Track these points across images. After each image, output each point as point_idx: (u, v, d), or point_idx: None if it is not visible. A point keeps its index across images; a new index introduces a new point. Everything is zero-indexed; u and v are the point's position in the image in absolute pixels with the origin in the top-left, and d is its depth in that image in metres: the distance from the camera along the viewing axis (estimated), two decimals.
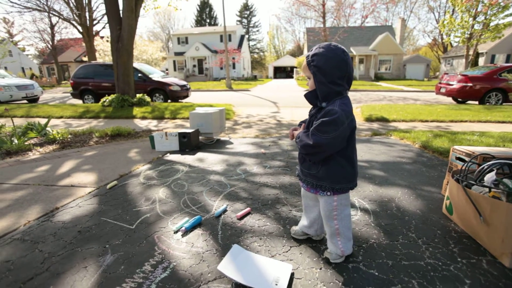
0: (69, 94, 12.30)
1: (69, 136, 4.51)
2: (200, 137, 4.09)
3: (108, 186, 2.44)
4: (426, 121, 5.71)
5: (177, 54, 32.81)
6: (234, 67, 31.93)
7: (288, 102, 10.01)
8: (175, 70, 32.93)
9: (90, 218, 1.91)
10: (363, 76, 27.84)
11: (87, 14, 19.48)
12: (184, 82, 10.39)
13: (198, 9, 54.52)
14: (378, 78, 27.31)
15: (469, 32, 15.16)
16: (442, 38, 36.18)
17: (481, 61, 24.34)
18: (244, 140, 4.26)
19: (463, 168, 1.80)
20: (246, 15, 56.69)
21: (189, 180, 2.61)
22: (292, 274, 1.34)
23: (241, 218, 1.89)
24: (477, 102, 8.80)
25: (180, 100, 10.05)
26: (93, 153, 3.58)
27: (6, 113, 6.56)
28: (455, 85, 8.77)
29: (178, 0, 13.59)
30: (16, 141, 3.91)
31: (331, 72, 1.20)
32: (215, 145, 3.93)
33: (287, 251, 1.53)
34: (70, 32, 37.53)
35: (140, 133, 4.80)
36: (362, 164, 3.00)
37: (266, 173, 2.77)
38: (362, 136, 4.45)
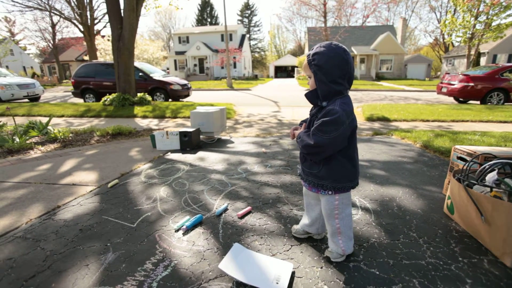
0: (70, 93, 12.34)
1: (71, 135, 4.52)
2: (201, 136, 4.09)
3: (109, 185, 2.44)
4: (428, 120, 5.70)
5: (178, 53, 32.82)
6: (235, 67, 31.93)
7: (289, 101, 10.01)
8: (176, 69, 32.94)
9: (91, 216, 1.91)
10: (364, 76, 27.80)
11: (88, 13, 19.51)
12: (185, 81, 10.39)
13: (199, 8, 54.51)
14: (379, 77, 27.26)
15: (470, 32, 15.11)
16: (443, 38, 36.08)
17: (483, 61, 24.27)
18: (245, 139, 4.27)
19: (465, 167, 1.80)
20: (247, 15, 56.66)
21: (190, 179, 2.61)
22: (293, 273, 1.34)
23: (242, 217, 1.89)
24: (478, 102, 8.78)
25: (181, 99, 10.05)
26: (94, 152, 3.58)
27: (8, 112, 6.57)
28: (457, 85, 8.75)
29: None
30: (17, 139, 3.92)
31: (331, 71, 1.20)
32: (216, 144, 3.93)
33: (288, 250, 1.53)
34: (71, 31, 37.67)
35: (141, 132, 4.80)
36: (363, 163, 3.00)
37: (267, 172, 2.77)
38: (363, 135, 4.44)
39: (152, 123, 5.86)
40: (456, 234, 1.66)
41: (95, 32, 20.67)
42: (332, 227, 1.40)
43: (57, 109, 7.40)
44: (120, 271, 1.36)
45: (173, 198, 2.19)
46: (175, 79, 10.34)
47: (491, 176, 1.61)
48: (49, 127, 4.54)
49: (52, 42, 30.18)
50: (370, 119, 5.94)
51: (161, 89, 9.56)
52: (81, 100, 10.26)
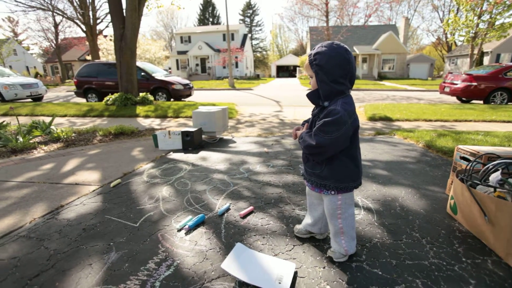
0: (73, 93, 12.37)
1: (73, 134, 4.54)
2: (203, 136, 4.10)
3: (112, 184, 2.45)
4: (430, 120, 5.67)
5: (180, 53, 32.87)
6: (237, 66, 31.94)
7: (291, 101, 10.00)
8: (178, 69, 32.99)
9: (94, 216, 1.92)
10: (366, 76, 27.72)
11: (90, 13, 19.58)
12: (187, 81, 10.41)
13: (201, 8, 54.55)
14: (382, 77, 27.17)
15: (474, 31, 15.03)
16: (446, 37, 35.86)
17: (486, 60, 24.11)
18: (247, 139, 4.27)
19: (468, 167, 1.79)
20: (249, 14, 56.64)
21: (192, 178, 2.61)
22: (296, 273, 1.34)
23: (244, 216, 1.89)
24: (481, 102, 8.73)
25: (183, 99, 10.07)
26: (97, 152, 3.60)
27: (11, 111, 6.62)
28: (460, 84, 8.70)
29: None
30: (21, 139, 3.94)
31: (333, 71, 1.20)
32: (218, 144, 3.94)
33: (290, 250, 1.53)
34: (73, 31, 37.78)
35: (143, 132, 4.82)
36: (366, 163, 2.99)
37: (269, 172, 2.77)
38: (365, 135, 4.43)
39: (154, 122, 5.87)
40: (459, 234, 1.65)
41: (97, 32, 20.74)
42: (334, 227, 1.40)
43: (60, 108, 7.43)
44: (123, 271, 1.36)
45: (175, 198, 2.20)
46: (177, 78, 10.36)
47: (495, 176, 1.60)
48: (52, 127, 4.57)
49: (54, 42, 30.31)
50: (372, 118, 5.93)
51: (163, 88, 9.59)
52: (83, 100, 10.30)
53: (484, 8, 14.19)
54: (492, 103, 8.41)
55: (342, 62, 1.20)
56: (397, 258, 1.44)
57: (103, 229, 1.75)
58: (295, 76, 38.09)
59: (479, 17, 14.47)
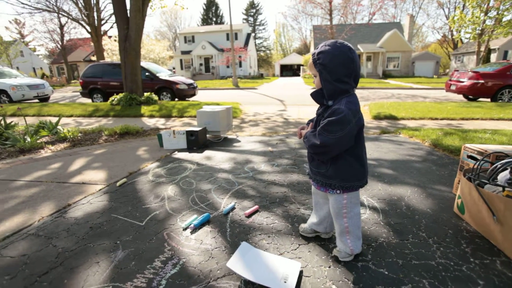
0: (78, 93, 12.52)
1: (79, 134, 4.59)
2: (207, 135, 4.11)
3: (118, 184, 2.48)
4: (436, 119, 5.61)
5: (183, 52, 32.99)
6: (240, 66, 31.94)
7: (295, 100, 9.97)
8: (182, 68, 33.12)
9: (101, 214, 1.94)
10: (370, 74, 27.52)
11: (95, 14, 19.74)
12: (191, 81, 10.45)
13: (204, 7, 54.65)
14: (386, 75, 26.94)
15: (480, 28, 14.81)
16: (452, 35, 35.39)
17: (493, 57, 23.78)
18: (251, 138, 4.27)
19: (476, 166, 1.77)
20: (252, 13, 56.57)
21: (197, 178, 2.63)
22: (301, 272, 1.34)
23: (249, 215, 1.90)
24: (489, 100, 8.61)
25: (187, 99, 10.11)
26: (103, 151, 3.63)
27: (19, 112, 6.71)
28: (466, 82, 8.59)
29: None
30: (28, 139, 4.00)
31: (337, 70, 1.19)
32: (222, 143, 3.95)
33: (295, 249, 1.53)
34: (78, 32, 38.22)
35: (148, 131, 4.85)
36: (371, 162, 2.97)
37: (274, 171, 2.77)
38: (370, 134, 4.40)
39: (159, 122, 5.91)
40: (467, 234, 1.64)
41: (102, 32, 20.90)
42: (340, 226, 1.39)
43: (66, 109, 7.52)
44: (130, 269, 1.38)
45: (180, 197, 2.21)
46: (181, 78, 10.41)
47: (503, 175, 1.58)
48: (58, 127, 4.62)
49: (60, 43, 30.67)
50: (377, 117, 5.88)
51: (168, 88, 9.63)
52: (89, 100, 10.40)
53: (491, 5, 13.98)
54: (500, 100, 8.29)
55: (346, 61, 1.19)
56: (404, 258, 1.43)
57: (109, 227, 1.77)
58: (299, 75, 37.96)
59: (486, 13, 14.26)
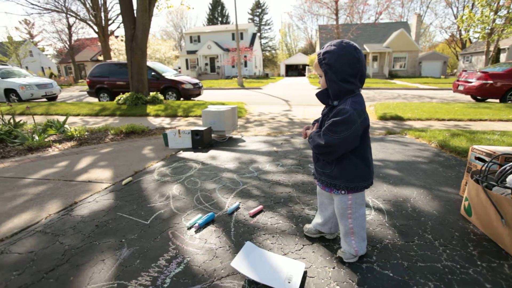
0: (85, 93, 12.66)
1: (86, 133, 4.65)
2: (212, 135, 4.12)
3: (123, 182, 2.50)
4: (443, 119, 5.54)
5: (189, 52, 33.14)
6: (246, 65, 31.96)
7: (300, 100, 9.94)
8: (187, 68, 33.28)
9: (106, 213, 1.96)
10: (376, 74, 27.27)
11: (102, 14, 19.97)
12: (196, 80, 10.49)
13: (210, 7, 54.80)
14: (393, 75, 26.68)
15: (489, 27, 14.56)
16: (460, 34, 34.85)
17: (503, 57, 23.34)
18: (256, 138, 4.27)
19: (483, 168, 1.74)
20: (258, 13, 56.54)
21: (202, 177, 2.64)
22: (305, 273, 1.34)
23: (254, 215, 1.90)
24: (498, 100, 8.45)
25: (192, 98, 10.15)
26: (109, 150, 3.67)
27: (28, 111, 6.83)
28: (474, 82, 8.46)
29: None
30: (36, 137, 4.06)
31: (342, 70, 1.19)
32: (227, 143, 3.95)
33: (299, 249, 1.52)
34: (86, 32, 38.69)
35: (154, 131, 4.89)
36: (376, 163, 2.95)
37: (279, 171, 2.77)
38: (376, 134, 4.36)
39: (164, 121, 5.95)
40: (474, 237, 1.61)
41: (109, 32, 21.14)
42: (345, 227, 1.39)
43: (73, 108, 7.62)
44: (135, 267, 1.39)
45: (185, 196, 2.22)
46: (187, 78, 10.46)
47: None
48: (66, 126, 4.69)
49: (68, 43, 31.09)
50: (383, 118, 5.83)
51: (173, 88, 9.69)
52: (96, 99, 10.52)
53: (501, 3, 13.73)
54: (510, 101, 8.13)
55: (351, 61, 1.19)
56: (409, 260, 1.41)
57: (115, 225, 1.79)
58: (304, 75, 37.84)
59: (496, 12, 14.01)
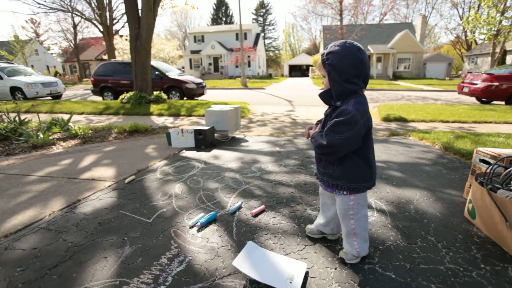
0: (89, 91, 12.76)
1: (90, 131, 4.68)
2: (215, 135, 4.13)
3: (126, 181, 2.51)
4: (447, 121, 5.50)
5: (193, 52, 33.25)
6: (249, 65, 31.99)
7: (303, 100, 9.92)
8: (191, 68, 33.39)
9: (109, 210, 1.98)
10: (380, 75, 27.14)
11: (107, 13, 20.10)
12: (199, 80, 10.52)
13: (214, 7, 54.92)
14: (397, 77, 26.53)
15: (496, 29, 14.42)
16: (466, 36, 34.56)
17: (509, 59, 23.11)
18: (259, 138, 4.27)
19: (488, 171, 1.73)
20: (262, 13, 56.55)
21: (204, 176, 2.64)
22: (307, 273, 1.34)
23: (256, 215, 1.90)
24: (503, 103, 8.37)
25: (195, 98, 10.18)
26: (112, 148, 3.69)
27: (33, 109, 6.89)
28: (480, 84, 8.38)
29: None
30: (41, 135, 4.10)
31: (345, 71, 1.19)
32: (230, 143, 3.96)
33: (301, 250, 1.52)
34: (91, 31, 38.96)
35: (157, 130, 4.91)
36: (379, 164, 2.93)
37: (281, 171, 2.77)
38: (379, 136, 4.34)
39: (167, 121, 5.97)
40: (477, 239, 1.60)
41: (113, 32, 21.28)
42: (347, 227, 1.38)
43: (78, 106, 7.68)
44: (137, 265, 1.40)
45: (188, 195, 2.23)
46: (190, 77, 10.49)
47: None
48: (70, 124, 4.73)
49: (73, 42, 31.37)
50: (386, 119, 5.80)
51: (177, 87, 9.73)
52: (100, 98, 10.59)
53: (508, 4, 13.59)
54: None
55: (355, 61, 1.18)
56: (411, 262, 1.40)
57: (117, 223, 1.80)
58: (307, 76, 37.76)
59: (502, 13, 13.86)
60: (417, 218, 1.84)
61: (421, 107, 7.26)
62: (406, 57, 27.80)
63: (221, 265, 1.39)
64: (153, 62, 9.82)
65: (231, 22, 53.18)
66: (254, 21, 54.54)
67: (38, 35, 38.17)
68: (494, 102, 8.87)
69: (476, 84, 8.56)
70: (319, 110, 7.22)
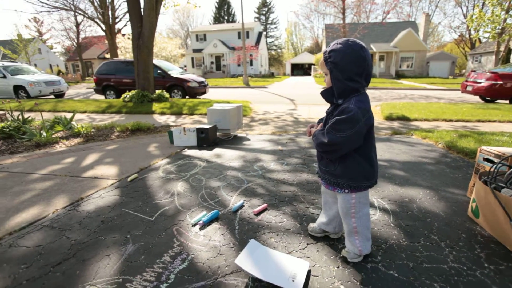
0: (92, 90, 12.81)
1: (92, 130, 4.70)
2: (217, 133, 4.13)
3: (129, 179, 2.52)
4: (451, 120, 5.46)
5: (195, 51, 33.25)
6: (251, 64, 31.94)
7: (305, 99, 9.90)
8: (193, 66, 33.40)
9: (112, 209, 1.98)
10: (383, 74, 27.00)
11: (110, 12, 20.13)
12: (202, 79, 10.52)
13: (216, 6, 54.86)
14: (400, 75, 26.38)
15: (500, 27, 14.28)
16: (469, 34, 34.28)
17: None
18: (261, 136, 4.27)
19: (492, 169, 1.71)
20: (264, 12, 56.38)
21: (206, 175, 2.65)
22: (309, 271, 1.34)
23: (258, 214, 1.90)
24: (507, 101, 8.30)
25: (198, 96, 10.19)
26: (115, 147, 3.71)
27: (36, 107, 6.93)
28: (483, 83, 8.32)
29: None
30: (44, 134, 4.12)
31: (348, 69, 1.18)
32: (232, 141, 3.96)
33: (304, 248, 1.52)
34: (94, 30, 39.22)
35: (159, 128, 4.92)
36: (382, 163, 2.92)
37: (283, 170, 2.76)
38: (382, 135, 4.33)
39: (169, 119, 5.98)
40: (481, 239, 1.59)
41: (116, 30, 21.32)
42: (348, 226, 1.38)
43: (80, 105, 7.71)
44: (140, 262, 1.40)
45: (190, 194, 2.23)
46: (192, 76, 10.49)
47: None
48: (73, 123, 4.74)
49: (76, 40, 31.49)
50: (389, 118, 5.77)
51: (179, 86, 9.74)
52: (102, 97, 10.62)
53: None
54: None
55: (357, 59, 1.18)
56: (414, 261, 1.40)
57: (120, 221, 1.81)
58: (310, 74, 37.67)
59: (507, 11, 13.72)
60: (420, 217, 1.83)
61: (424, 106, 7.21)
62: (409, 56, 27.63)
63: (223, 263, 1.40)
64: (155, 61, 9.83)
65: (233, 21, 53.10)
66: (256, 19, 54.42)
67: (41, 34, 38.35)
68: (498, 101, 8.80)
69: (480, 82, 8.49)
70: (321, 109, 7.20)
